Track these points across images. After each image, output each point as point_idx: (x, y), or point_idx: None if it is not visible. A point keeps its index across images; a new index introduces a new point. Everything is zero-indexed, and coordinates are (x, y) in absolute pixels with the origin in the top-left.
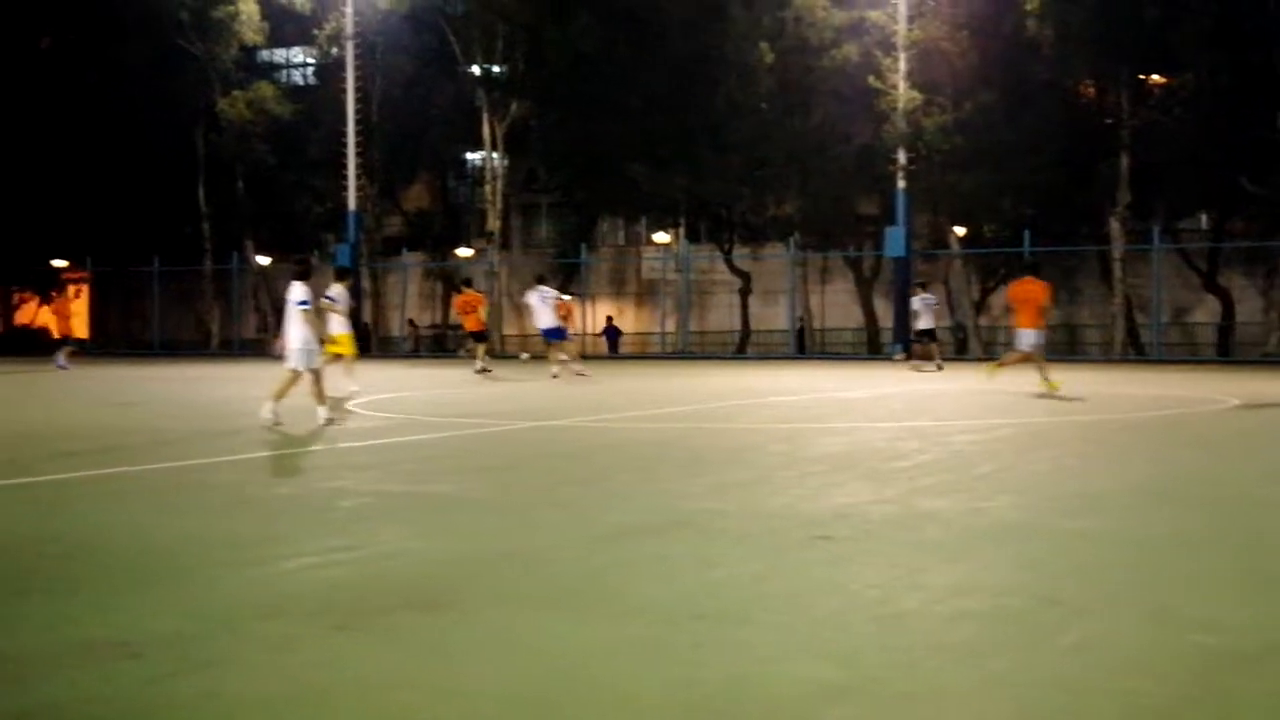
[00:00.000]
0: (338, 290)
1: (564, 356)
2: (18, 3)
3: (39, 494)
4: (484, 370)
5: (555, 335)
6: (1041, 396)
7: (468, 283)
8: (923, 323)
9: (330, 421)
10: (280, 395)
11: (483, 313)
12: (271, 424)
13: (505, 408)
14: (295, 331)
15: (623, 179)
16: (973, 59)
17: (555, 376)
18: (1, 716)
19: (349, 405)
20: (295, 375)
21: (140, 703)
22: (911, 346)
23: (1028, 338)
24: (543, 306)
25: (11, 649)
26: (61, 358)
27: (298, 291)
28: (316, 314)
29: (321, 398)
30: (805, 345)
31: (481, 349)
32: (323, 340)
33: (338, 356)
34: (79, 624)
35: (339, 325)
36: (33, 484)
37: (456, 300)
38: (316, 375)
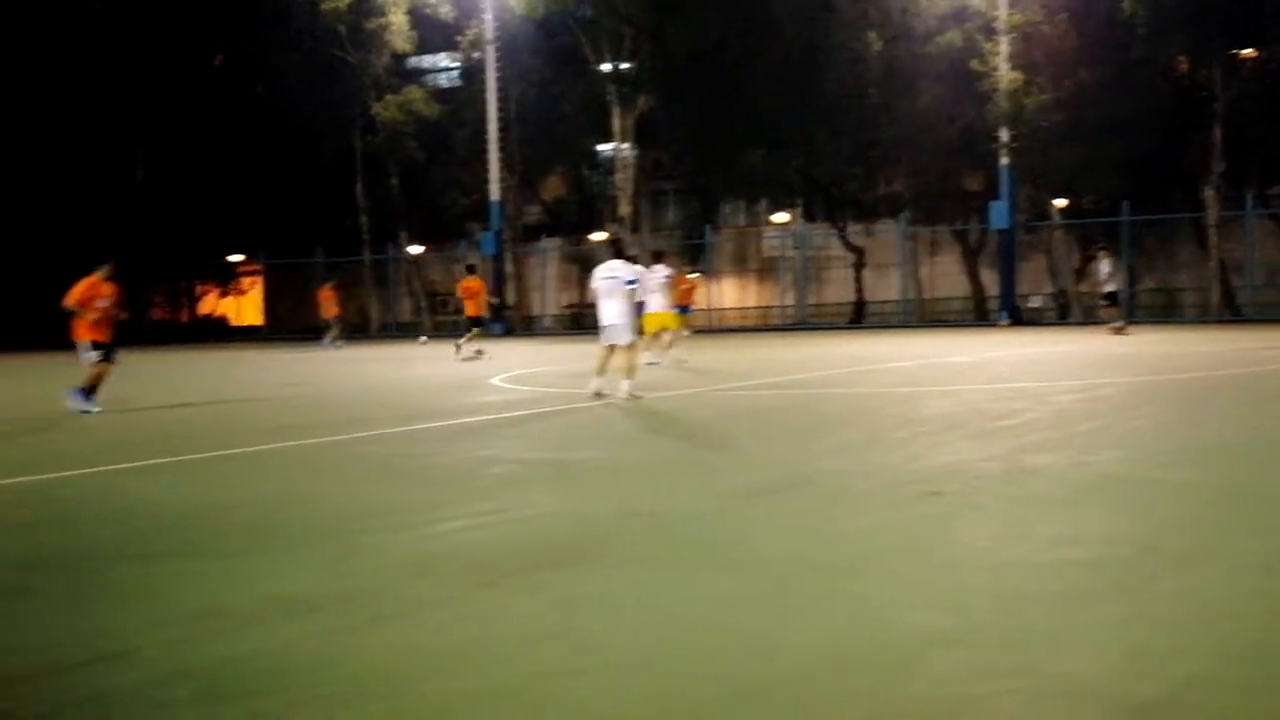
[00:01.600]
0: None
1: (685, 332)
2: (194, 25)
3: (224, 467)
4: (478, 354)
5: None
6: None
7: (471, 269)
8: (1112, 285)
9: (634, 398)
10: (601, 370)
11: (484, 299)
12: (598, 396)
13: (640, 378)
14: (617, 307)
15: (743, 164)
16: (1071, 40)
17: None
18: (213, 662)
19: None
20: (610, 350)
21: (323, 652)
22: (1103, 310)
23: None
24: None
25: (212, 604)
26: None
27: (621, 269)
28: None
29: (631, 372)
30: (916, 314)
31: (474, 333)
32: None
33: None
34: (263, 582)
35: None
36: (219, 458)
37: (459, 285)
38: (631, 350)
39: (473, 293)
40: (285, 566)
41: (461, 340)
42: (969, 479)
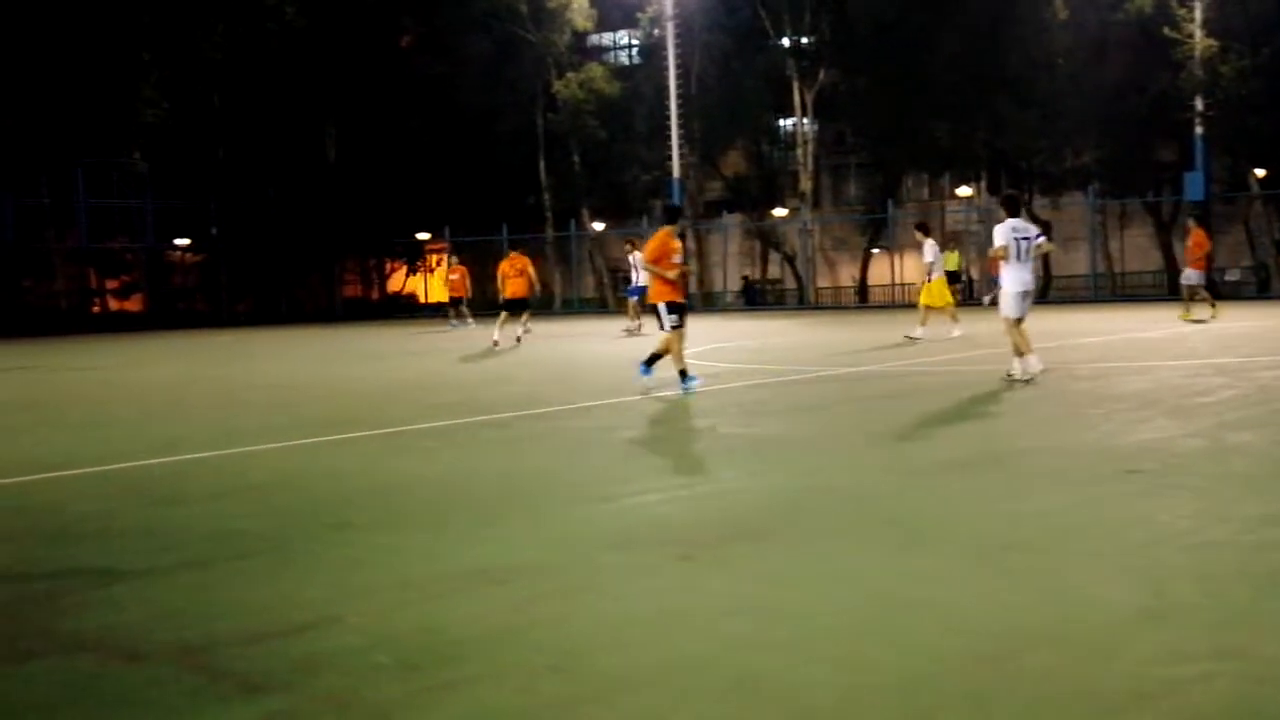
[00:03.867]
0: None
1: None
2: (382, 8)
3: (409, 443)
4: (526, 332)
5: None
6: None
7: (513, 246)
8: None
9: (1014, 379)
10: (1023, 349)
11: (532, 274)
12: (1019, 378)
13: (813, 356)
14: (1030, 271)
15: (925, 137)
16: (1269, 3)
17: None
18: (399, 635)
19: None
20: (1018, 323)
21: (510, 624)
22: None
23: None
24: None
25: (398, 578)
26: (455, 319)
27: (1029, 227)
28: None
29: (1025, 348)
30: (1106, 288)
31: (505, 317)
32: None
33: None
34: (450, 556)
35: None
36: (402, 433)
37: (503, 265)
38: (1019, 323)
39: (518, 271)
40: (471, 539)
41: (523, 325)
42: (1168, 457)
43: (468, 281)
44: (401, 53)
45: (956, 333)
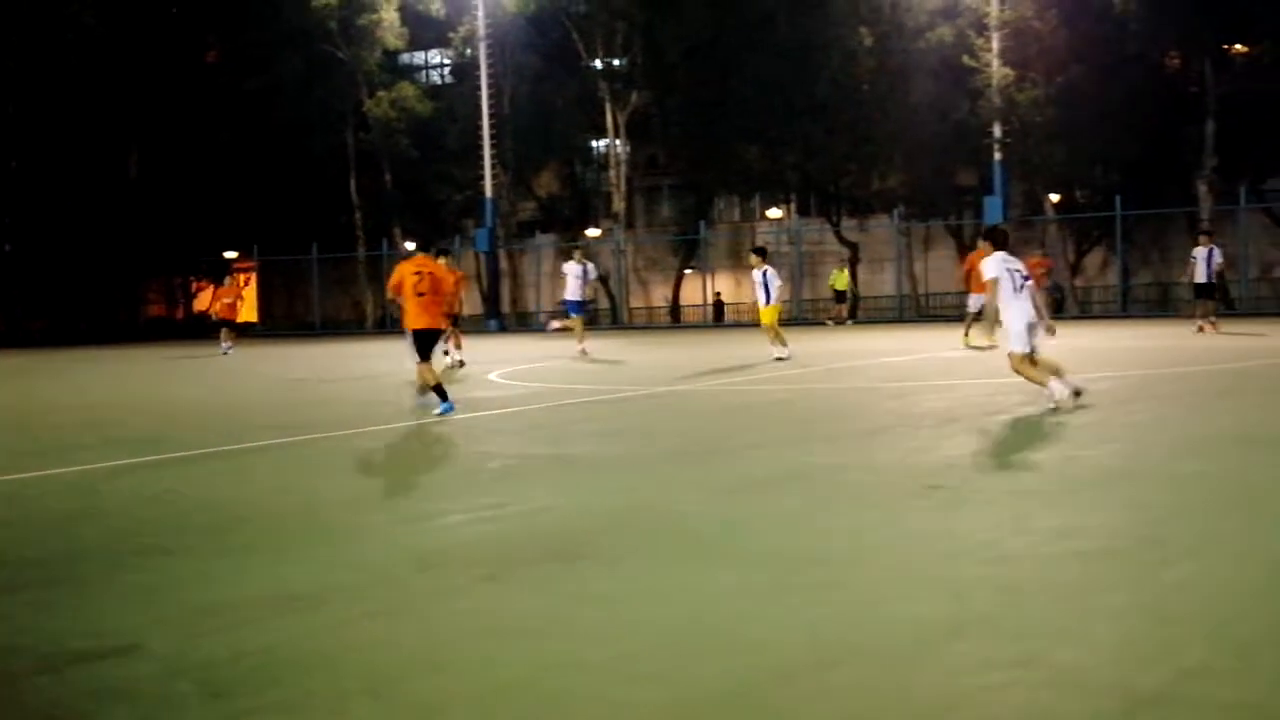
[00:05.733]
0: None
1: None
2: (188, 22)
3: (216, 464)
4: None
5: (575, 309)
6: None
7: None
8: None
9: (1060, 403)
10: (1056, 372)
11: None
12: (1063, 401)
13: (625, 375)
14: (1021, 307)
15: (737, 159)
16: (1062, 35)
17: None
18: (203, 662)
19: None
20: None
21: (321, 648)
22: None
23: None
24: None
25: (217, 600)
26: (226, 343)
27: (1016, 262)
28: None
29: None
30: (911, 308)
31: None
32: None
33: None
34: (256, 579)
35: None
36: (211, 454)
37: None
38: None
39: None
40: (284, 561)
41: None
42: (967, 473)
43: (240, 304)
44: (208, 68)
45: (783, 354)
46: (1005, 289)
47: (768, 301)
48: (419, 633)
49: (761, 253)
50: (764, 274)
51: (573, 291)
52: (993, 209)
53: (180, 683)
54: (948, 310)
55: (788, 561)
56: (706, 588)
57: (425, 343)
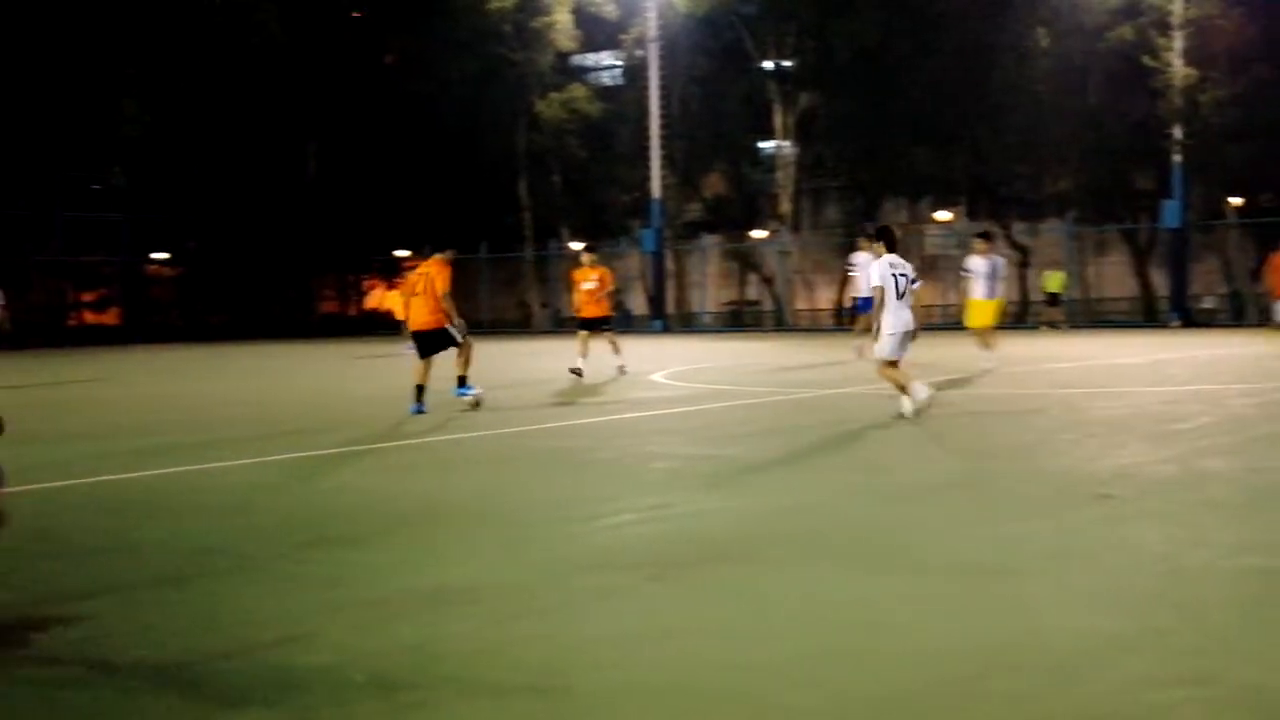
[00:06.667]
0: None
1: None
2: (367, 26)
3: (388, 459)
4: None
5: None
6: None
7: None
8: None
9: (905, 416)
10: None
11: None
12: (909, 414)
13: (789, 377)
14: (900, 316)
15: (905, 162)
16: (1248, 33)
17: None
18: (374, 652)
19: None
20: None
21: (486, 643)
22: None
23: None
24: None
25: (374, 595)
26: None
27: (905, 265)
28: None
29: (904, 381)
30: (1082, 314)
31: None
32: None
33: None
34: (426, 573)
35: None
36: (383, 449)
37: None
38: (893, 365)
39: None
40: (446, 558)
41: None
42: (1142, 482)
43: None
44: (385, 70)
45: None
46: (889, 295)
47: (991, 294)
48: (583, 631)
49: (988, 236)
50: (993, 263)
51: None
52: (1171, 213)
53: (354, 672)
54: (1120, 316)
55: (954, 569)
56: (871, 594)
57: (423, 343)
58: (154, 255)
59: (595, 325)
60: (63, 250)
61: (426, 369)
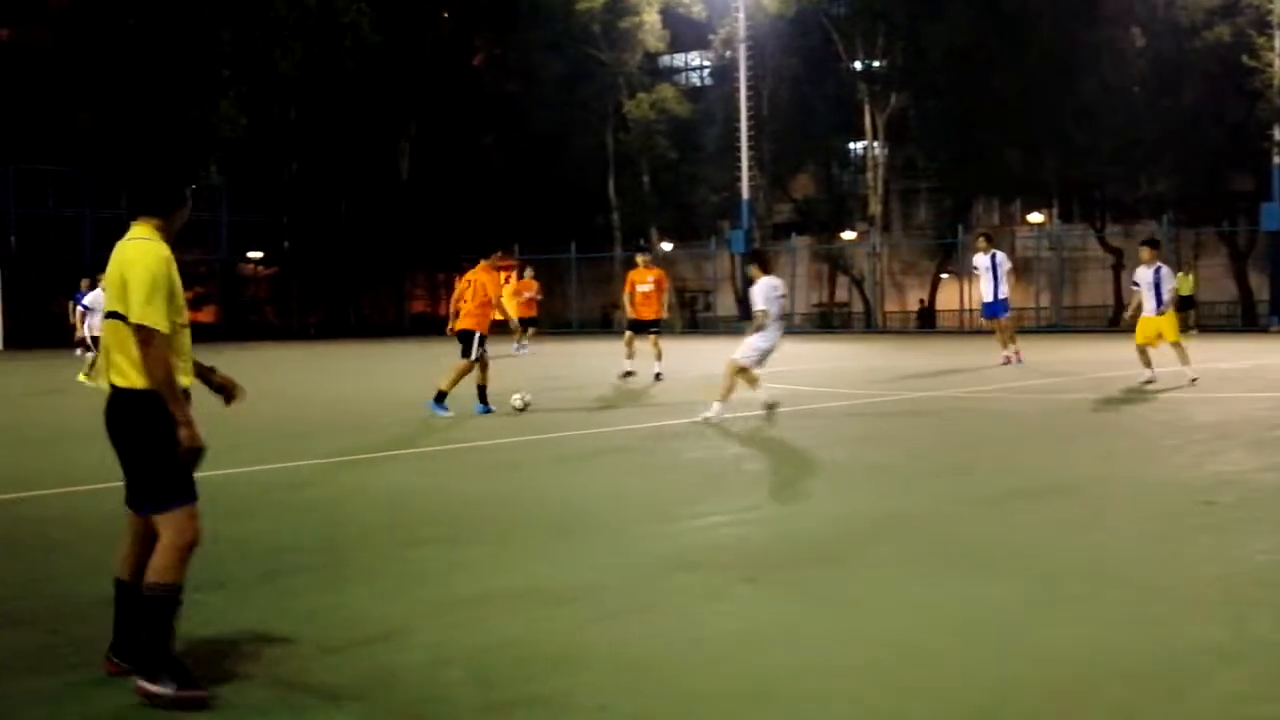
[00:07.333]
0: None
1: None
2: (457, 28)
3: (475, 459)
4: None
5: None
6: None
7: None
8: None
9: (711, 421)
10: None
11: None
12: (714, 420)
13: (882, 380)
14: (773, 333)
15: (996, 163)
16: None
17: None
18: (470, 647)
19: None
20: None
21: (580, 642)
22: None
23: None
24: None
25: (470, 593)
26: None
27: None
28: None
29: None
30: None
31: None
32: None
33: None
34: (521, 572)
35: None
36: (471, 449)
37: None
38: (744, 372)
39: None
40: (536, 557)
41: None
42: (1245, 490)
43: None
44: (474, 71)
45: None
46: (773, 316)
47: (1159, 309)
48: (677, 631)
49: (1155, 244)
50: (1156, 271)
51: (991, 290)
52: (1271, 216)
53: (449, 670)
54: (1218, 320)
55: (1054, 576)
56: (969, 598)
57: (467, 342)
58: (250, 254)
59: (645, 328)
60: None
61: (482, 370)
